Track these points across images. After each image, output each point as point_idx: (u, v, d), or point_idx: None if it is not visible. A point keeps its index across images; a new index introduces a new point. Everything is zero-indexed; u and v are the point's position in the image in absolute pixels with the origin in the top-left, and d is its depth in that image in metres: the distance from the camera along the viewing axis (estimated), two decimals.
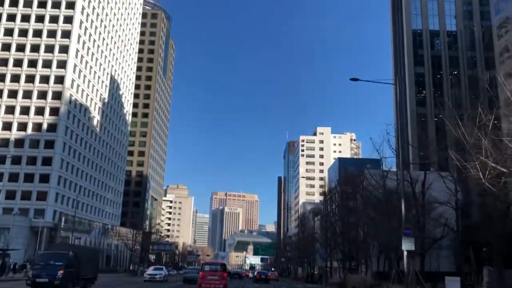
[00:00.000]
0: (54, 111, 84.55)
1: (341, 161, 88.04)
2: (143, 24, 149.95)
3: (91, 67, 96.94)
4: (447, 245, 47.61)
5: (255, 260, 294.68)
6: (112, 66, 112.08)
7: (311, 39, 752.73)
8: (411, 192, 38.02)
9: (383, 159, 46.61)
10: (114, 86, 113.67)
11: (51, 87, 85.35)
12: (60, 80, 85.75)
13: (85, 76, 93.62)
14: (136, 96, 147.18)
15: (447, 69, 74.41)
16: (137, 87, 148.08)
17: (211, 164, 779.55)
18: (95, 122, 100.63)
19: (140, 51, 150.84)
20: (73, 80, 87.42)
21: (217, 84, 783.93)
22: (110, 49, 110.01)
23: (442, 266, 50.45)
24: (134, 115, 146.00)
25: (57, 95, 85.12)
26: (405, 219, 25.69)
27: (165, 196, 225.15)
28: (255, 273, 75.36)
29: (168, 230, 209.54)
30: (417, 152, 69.22)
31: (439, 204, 41.64)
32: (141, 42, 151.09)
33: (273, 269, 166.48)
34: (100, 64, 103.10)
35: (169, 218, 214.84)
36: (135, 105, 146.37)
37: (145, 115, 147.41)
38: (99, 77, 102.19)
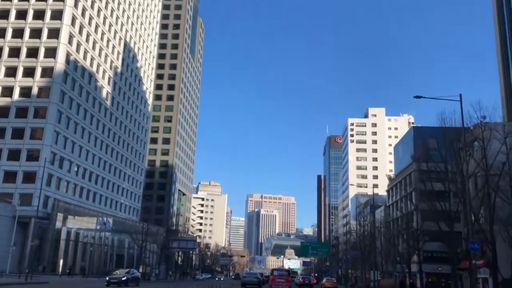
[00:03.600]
0: (47, 72, 67.16)
1: (417, 131, 66.30)
2: None
3: (97, 24, 79.48)
4: None
5: (294, 264, 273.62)
6: (127, 31, 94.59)
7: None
8: None
9: None
10: (129, 55, 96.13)
11: (44, 42, 68.05)
12: (55, 34, 68.40)
13: (88, 34, 76.12)
14: (160, 76, 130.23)
15: None
16: (161, 66, 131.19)
17: (245, 164, 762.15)
18: (104, 93, 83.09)
19: (164, 26, 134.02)
20: (71, 35, 69.89)
21: (251, 74, 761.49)
22: (124, 10, 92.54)
23: None
24: (158, 97, 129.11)
25: (52, 53, 67.76)
26: None
27: (197, 193, 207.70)
28: (299, 278, 72.76)
29: (200, 230, 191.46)
30: None
31: None
32: (165, 17, 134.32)
33: (315, 274, 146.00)
34: (110, 25, 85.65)
35: (201, 217, 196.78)
36: (159, 87, 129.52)
37: (170, 98, 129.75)
38: (108, 39, 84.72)
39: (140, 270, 60.72)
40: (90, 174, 77.93)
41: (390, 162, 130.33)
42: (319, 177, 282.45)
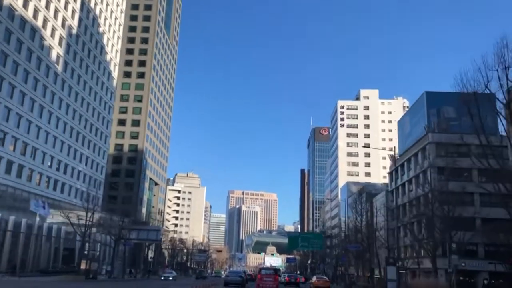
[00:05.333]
0: None
1: (431, 97, 54.38)
2: None
3: None
4: None
5: (276, 261, 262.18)
6: None
7: None
8: None
9: None
10: (88, 17, 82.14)
11: None
12: None
13: None
14: (129, 51, 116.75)
15: None
16: (131, 40, 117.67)
17: (226, 161, 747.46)
18: (53, 55, 69.09)
19: None
20: None
21: (233, 63, 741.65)
22: None
23: None
24: (127, 74, 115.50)
25: None
26: None
27: (173, 185, 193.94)
28: (285, 276, 68.80)
29: (176, 225, 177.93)
30: None
31: None
32: None
33: (297, 272, 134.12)
34: None
35: (177, 211, 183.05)
36: (128, 63, 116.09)
37: (141, 75, 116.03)
38: None
39: (82, 266, 47.72)
40: (34, 151, 64.07)
41: (384, 148, 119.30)
42: (302, 171, 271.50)
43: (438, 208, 41.12)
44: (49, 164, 68.46)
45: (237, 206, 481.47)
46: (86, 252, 56.34)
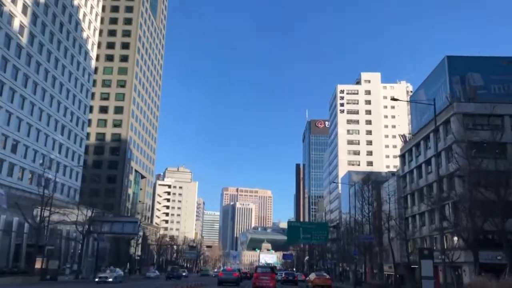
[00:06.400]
0: None
1: (453, 62, 46.22)
2: None
3: None
4: None
5: (271, 258, 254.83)
6: None
7: None
8: None
9: None
10: None
11: None
12: None
13: None
14: (111, 33, 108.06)
15: None
16: (113, 21, 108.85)
17: (219, 158, 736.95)
18: (15, 24, 60.25)
19: None
20: None
21: (223, 55, 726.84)
22: None
23: None
24: (109, 58, 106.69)
25: None
26: None
27: (163, 180, 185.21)
28: (282, 274, 64.62)
29: (166, 222, 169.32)
30: None
31: None
32: None
33: (293, 269, 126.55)
34: None
35: (167, 207, 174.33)
36: (110, 45, 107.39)
37: (124, 59, 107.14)
38: None
39: (38, 265, 39.28)
40: None
41: (387, 136, 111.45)
42: (297, 165, 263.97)
43: (474, 190, 33.37)
44: (13, 150, 59.74)
45: (231, 203, 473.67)
46: (53, 248, 48.13)
